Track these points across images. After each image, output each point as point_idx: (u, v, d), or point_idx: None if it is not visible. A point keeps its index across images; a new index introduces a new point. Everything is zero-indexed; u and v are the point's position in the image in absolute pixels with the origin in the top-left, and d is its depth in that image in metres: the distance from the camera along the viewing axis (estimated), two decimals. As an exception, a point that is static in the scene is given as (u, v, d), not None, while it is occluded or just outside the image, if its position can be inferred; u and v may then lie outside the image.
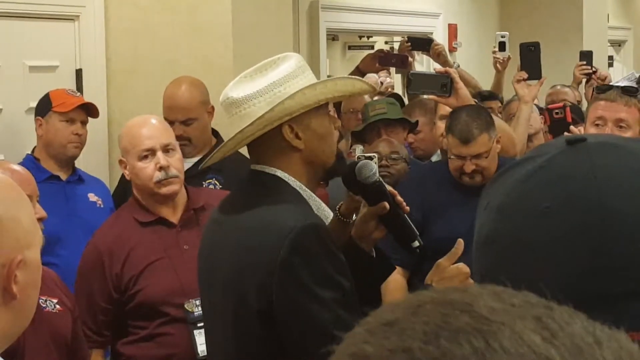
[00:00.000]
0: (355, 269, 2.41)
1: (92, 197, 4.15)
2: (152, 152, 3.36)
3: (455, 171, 3.71)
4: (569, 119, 4.50)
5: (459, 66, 5.76)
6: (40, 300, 2.60)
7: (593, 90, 3.98)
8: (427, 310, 0.64)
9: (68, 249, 3.74)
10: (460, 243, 2.46)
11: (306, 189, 2.41)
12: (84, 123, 4.15)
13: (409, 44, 5.97)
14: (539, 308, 0.64)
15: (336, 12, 6.56)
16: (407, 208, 2.50)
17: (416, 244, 2.50)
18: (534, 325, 0.61)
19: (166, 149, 3.38)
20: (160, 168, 3.33)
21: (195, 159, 4.14)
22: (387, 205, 2.44)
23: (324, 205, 2.46)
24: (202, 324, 3.16)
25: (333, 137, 2.46)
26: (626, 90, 3.75)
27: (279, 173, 2.39)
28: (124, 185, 4.36)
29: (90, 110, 4.17)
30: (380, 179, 2.49)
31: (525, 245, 0.98)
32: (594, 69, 6.30)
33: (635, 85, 4.12)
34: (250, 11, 4.79)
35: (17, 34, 4.48)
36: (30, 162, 4.03)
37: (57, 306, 2.87)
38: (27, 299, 1.63)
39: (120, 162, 3.48)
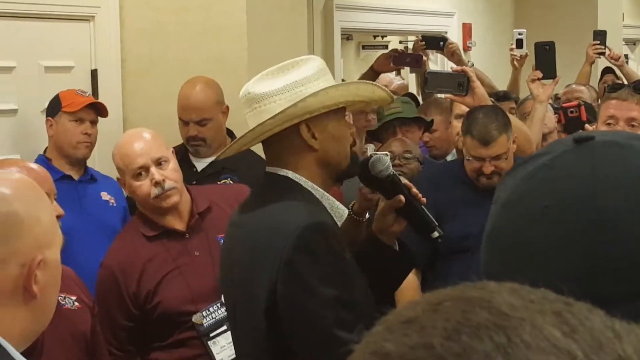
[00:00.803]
0: (378, 263, 2.46)
1: (104, 195, 4.15)
2: (145, 168, 3.35)
3: (472, 172, 3.69)
4: (584, 118, 4.49)
5: (473, 65, 5.75)
6: (59, 298, 2.61)
7: (605, 89, 3.97)
8: (446, 308, 0.64)
9: (81, 248, 3.74)
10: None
11: (319, 188, 2.42)
12: (94, 123, 4.15)
13: (424, 43, 5.96)
14: (557, 303, 0.64)
15: (350, 12, 6.57)
16: (424, 200, 2.52)
17: (436, 234, 2.52)
18: (554, 320, 0.61)
19: (158, 162, 3.37)
20: (156, 183, 3.32)
21: (210, 159, 4.15)
22: (402, 198, 2.47)
23: (337, 203, 2.48)
24: (214, 334, 3.20)
25: (348, 140, 2.49)
26: (638, 89, 3.73)
27: (290, 174, 2.41)
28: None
29: (99, 109, 4.18)
30: (394, 172, 2.51)
31: (524, 243, 0.98)
32: (607, 49, 6.32)
33: None
34: (264, 11, 4.79)
35: (33, 34, 4.50)
36: (42, 163, 4.03)
37: (76, 303, 2.88)
38: (47, 298, 1.64)
39: (119, 180, 3.50)
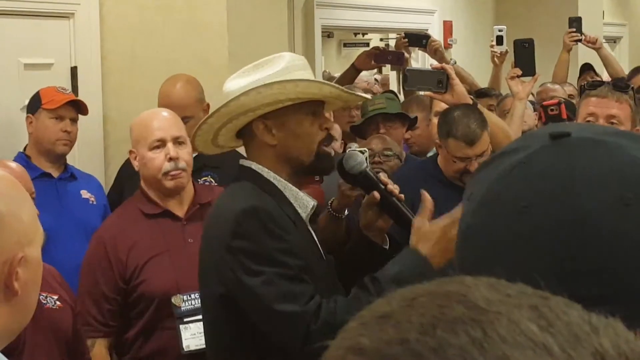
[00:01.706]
0: (368, 260, 2.50)
1: (84, 194, 4.14)
2: (162, 142, 3.38)
3: (456, 173, 3.65)
4: (564, 116, 4.50)
5: (455, 63, 5.76)
6: (41, 297, 2.61)
7: (584, 87, 3.97)
8: (422, 302, 0.63)
9: (60, 247, 3.73)
10: (424, 194, 2.48)
11: (281, 179, 2.49)
12: (74, 120, 4.13)
13: (406, 40, 5.96)
14: (534, 298, 0.63)
15: (331, 9, 6.57)
16: (402, 196, 2.53)
17: None
18: (531, 314, 0.61)
19: (177, 141, 3.40)
20: (170, 159, 3.35)
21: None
22: (376, 194, 2.49)
23: (302, 194, 2.52)
24: (188, 319, 3.21)
25: (311, 137, 2.50)
26: (617, 86, 3.73)
27: (254, 165, 2.50)
28: (121, 184, 4.36)
29: (80, 107, 4.16)
30: (369, 168, 2.53)
31: (501, 241, 0.97)
32: (582, 36, 6.36)
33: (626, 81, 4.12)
34: (245, 9, 4.79)
35: (12, 31, 4.48)
36: (22, 160, 4.02)
37: (58, 302, 2.88)
38: (28, 295, 1.64)
39: (131, 152, 3.50)
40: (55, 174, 4.11)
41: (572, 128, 1.02)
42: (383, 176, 2.61)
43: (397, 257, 2.42)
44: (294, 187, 2.50)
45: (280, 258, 2.34)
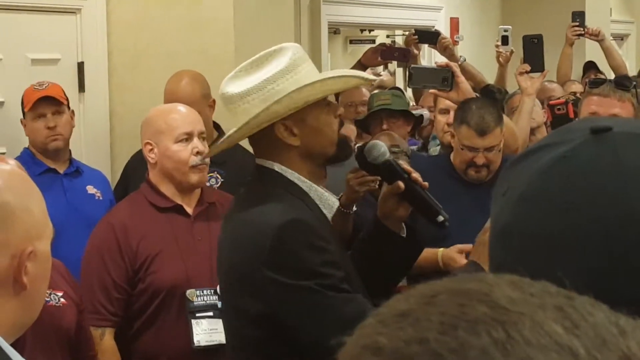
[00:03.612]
0: (384, 249, 2.45)
1: (90, 189, 4.12)
2: (189, 136, 3.39)
3: (462, 164, 3.67)
4: (572, 115, 4.49)
5: (465, 60, 5.74)
6: (45, 293, 2.60)
7: (586, 85, 3.95)
8: (442, 300, 0.61)
9: (67, 242, 3.72)
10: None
11: (306, 180, 2.39)
12: (57, 112, 4.05)
13: (416, 36, 5.95)
14: (559, 297, 0.62)
15: (338, 6, 6.55)
16: (426, 184, 2.50)
17: (441, 218, 2.49)
18: (556, 315, 0.59)
19: (201, 136, 3.42)
20: (197, 153, 3.35)
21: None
22: (401, 184, 2.45)
23: (327, 194, 2.44)
24: (200, 315, 3.19)
25: (331, 127, 2.43)
26: (619, 85, 3.71)
27: (277, 166, 2.38)
28: (127, 179, 4.35)
29: (56, 98, 4.04)
30: (392, 158, 2.50)
31: (545, 239, 0.93)
32: (585, 29, 6.35)
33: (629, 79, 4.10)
34: (251, 4, 4.78)
35: (19, 27, 4.48)
36: (27, 156, 4.02)
37: (62, 299, 2.87)
38: (36, 290, 1.63)
39: (147, 143, 3.45)
40: (61, 169, 4.09)
41: (612, 122, 0.99)
42: (405, 164, 2.58)
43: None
44: (318, 188, 2.41)
45: (326, 271, 2.24)
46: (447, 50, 5.80)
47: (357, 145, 2.92)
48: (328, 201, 2.43)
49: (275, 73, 2.34)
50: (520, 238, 0.96)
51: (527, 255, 0.94)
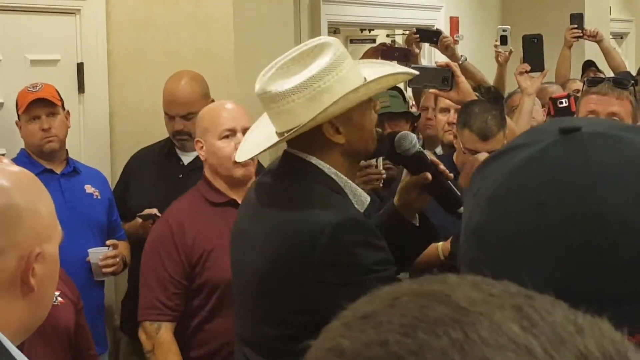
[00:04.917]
0: (396, 236, 2.45)
1: (88, 188, 4.12)
2: (232, 132, 3.44)
3: (463, 165, 3.69)
4: (573, 109, 4.48)
5: (466, 59, 5.73)
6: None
7: (584, 83, 3.95)
8: (404, 302, 0.62)
9: (65, 242, 3.70)
10: None
11: (342, 175, 2.37)
12: (52, 114, 4.04)
13: (417, 35, 5.94)
14: (518, 297, 0.62)
15: (337, 5, 6.55)
16: (451, 175, 2.51)
17: (462, 209, 2.49)
18: (514, 315, 0.60)
19: (245, 131, 3.41)
20: None
21: (196, 153, 4.13)
22: (429, 175, 2.47)
23: (360, 190, 2.42)
24: None
25: (373, 123, 2.41)
26: (618, 83, 3.71)
27: (314, 160, 2.35)
28: (126, 179, 4.35)
29: (50, 100, 4.04)
30: (421, 149, 2.51)
31: (517, 240, 0.94)
32: (584, 31, 6.35)
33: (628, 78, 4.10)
34: (251, 4, 4.78)
35: (19, 27, 4.47)
36: (24, 157, 4.02)
37: (59, 298, 2.87)
38: (44, 292, 1.63)
39: (197, 142, 3.54)
40: (58, 169, 4.09)
41: (581, 123, 1.00)
42: (432, 156, 2.60)
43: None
44: (353, 184, 2.39)
45: (380, 269, 2.23)
46: (448, 49, 5.79)
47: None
48: (361, 197, 2.41)
49: (320, 71, 2.29)
50: (492, 237, 0.97)
51: (499, 255, 0.95)
